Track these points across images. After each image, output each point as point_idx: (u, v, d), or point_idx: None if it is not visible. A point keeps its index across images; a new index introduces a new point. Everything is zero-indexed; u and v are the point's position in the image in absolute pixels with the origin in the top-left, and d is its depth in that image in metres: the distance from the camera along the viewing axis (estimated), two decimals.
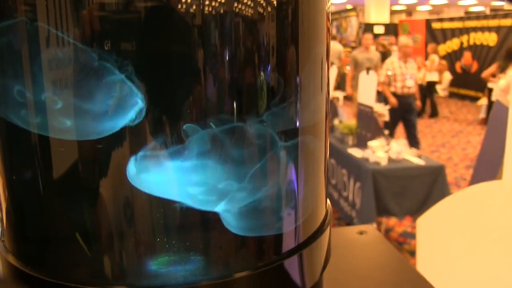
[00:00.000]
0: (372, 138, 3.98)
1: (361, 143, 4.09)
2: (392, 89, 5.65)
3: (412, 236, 4.02)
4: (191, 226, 0.36)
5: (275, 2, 0.36)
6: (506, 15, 10.60)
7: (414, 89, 5.71)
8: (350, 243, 0.73)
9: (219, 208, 0.36)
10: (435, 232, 1.40)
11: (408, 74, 5.64)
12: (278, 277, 0.39)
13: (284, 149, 0.38)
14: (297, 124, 0.39)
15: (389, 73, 5.66)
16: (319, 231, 0.44)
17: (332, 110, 4.89)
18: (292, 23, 0.38)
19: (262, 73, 0.36)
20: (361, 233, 0.76)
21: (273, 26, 0.36)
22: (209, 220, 0.36)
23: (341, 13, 16.10)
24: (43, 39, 0.32)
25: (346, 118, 4.96)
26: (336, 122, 4.68)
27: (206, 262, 0.36)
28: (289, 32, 0.38)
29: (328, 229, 0.45)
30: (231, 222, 0.36)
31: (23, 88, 0.34)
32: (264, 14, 0.36)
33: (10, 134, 0.36)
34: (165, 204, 0.35)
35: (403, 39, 5.87)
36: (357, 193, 3.84)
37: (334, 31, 15.81)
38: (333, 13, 16.49)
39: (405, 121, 5.82)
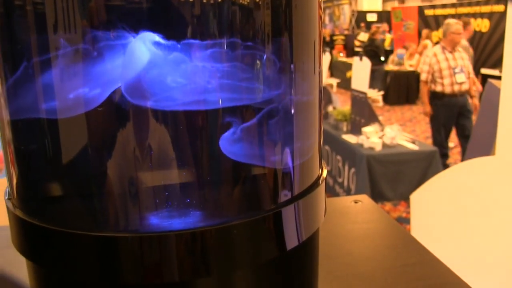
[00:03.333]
0: (366, 124, 4.00)
1: (355, 129, 4.11)
2: (439, 88, 4.33)
3: (407, 221, 4.05)
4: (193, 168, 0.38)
5: None
6: (498, 1, 10.61)
7: (467, 85, 4.30)
8: (346, 211, 0.75)
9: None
10: (428, 207, 1.42)
11: (458, 67, 4.28)
12: (275, 225, 0.41)
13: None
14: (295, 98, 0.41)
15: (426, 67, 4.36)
16: (315, 184, 0.45)
17: (326, 97, 4.91)
18: (286, 10, 0.39)
19: (258, 58, 0.38)
20: (356, 201, 0.78)
21: (268, 14, 0.38)
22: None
23: (334, 1, 16.08)
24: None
25: (340, 105, 4.98)
26: (330, 108, 4.70)
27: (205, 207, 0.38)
28: (283, 19, 0.39)
29: (323, 184, 0.47)
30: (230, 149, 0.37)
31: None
32: (259, 2, 0.37)
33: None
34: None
35: (452, 22, 4.42)
36: (352, 179, 3.87)
37: (327, 19, 15.79)
38: (326, 1, 16.46)
39: (458, 127, 4.49)
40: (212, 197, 0.39)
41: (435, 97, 4.37)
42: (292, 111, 0.41)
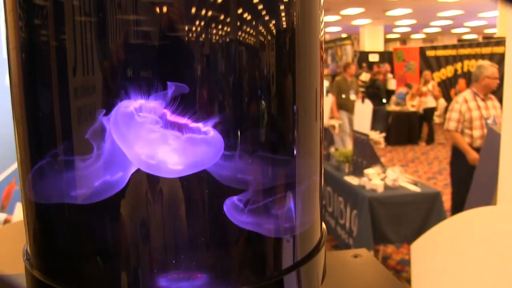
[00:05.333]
0: (368, 165, 4.02)
1: (357, 171, 4.13)
2: (467, 140, 3.71)
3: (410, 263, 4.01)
4: (198, 245, 0.40)
5: (274, 32, 0.41)
6: (498, 42, 10.78)
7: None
8: (345, 266, 0.76)
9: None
10: (429, 258, 1.43)
11: (491, 118, 3.65)
12: None
13: (281, 169, 0.42)
14: (294, 150, 0.43)
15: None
16: (316, 250, 0.48)
17: (328, 138, 4.95)
18: (290, 51, 0.42)
19: (262, 99, 0.41)
20: (355, 256, 0.79)
21: (272, 55, 0.41)
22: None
23: (336, 41, 16.35)
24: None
25: (343, 146, 5.02)
26: (332, 150, 4.73)
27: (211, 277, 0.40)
28: (287, 59, 0.42)
29: (323, 248, 0.49)
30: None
31: None
32: (265, 43, 0.40)
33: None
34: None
35: (486, 65, 3.81)
36: (354, 220, 3.85)
37: (329, 59, 16.01)
38: (328, 42, 16.73)
39: None
40: (220, 263, 0.42)
41: (460, 150, 3.75)
42: (296, 187, 0.44)
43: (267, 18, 0.40)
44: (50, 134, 0.39)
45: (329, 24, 15.55)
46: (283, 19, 0.41)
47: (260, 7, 0.40)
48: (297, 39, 0.43)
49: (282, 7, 0.41)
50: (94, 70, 0.36)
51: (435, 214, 3.77)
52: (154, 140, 0.37)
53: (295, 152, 0.43)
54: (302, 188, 0.45)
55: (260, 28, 0.40)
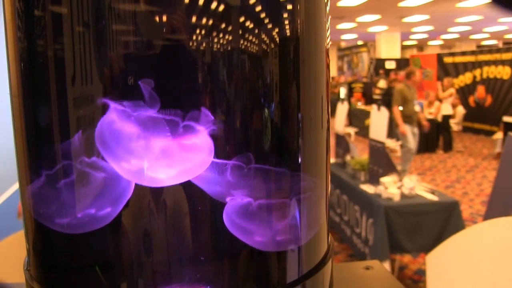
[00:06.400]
0: (384, 174, 3.97)
1: (373, 179, 4.08)
2: None
3: None
4: (202, 261, 0.39)
5: (277, 40, 0.40)
6: None
7: None
8: (356, 279, 0.75)
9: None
10: (446, 269, 1.40)
11: None
12: None
13: (285, 179, 0.41)
14: (299, 160, 0.42)
15: None
16: (322, 262, 0.46)
17: (344, 146, 4.91)
18: (294, 59, 0.42)
19: (265, 107, 0.40)
20: (367, 268, 0.78)
21: (275, 63, 0.40)
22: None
23: (352, 48, 16.30)
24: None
25: (358, 153, 4.97)
26: (348, 158, 4.69)
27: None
28: (291, 67, 0.41)
29: (330, 261, 0.48)
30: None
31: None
32: (268, 51, 0.40)
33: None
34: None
35: None
36: (369, 229, 3.81)
37: (345, 66, 15.96)
38: (344, 49, 16.69)
39: None
40: (222, 278, 0.41)
41: None
42: (301, 198, 0.43)
43: (270, 26, 0.40)
44: (48, 147, 0.38)
45: (344, 31, 15.51)
46: (287, 27, 0.41)
47: (263, 15, 0.39)
48: (302, 47, 0.42)
49: (285, 15, 0.40)
50: (93, 80, 0.36)
51: (453, 223, 3.71)
52: (147, 149, 0.36)
53: (299, 160, 0.42)
54: (307, 198, 0.44)
55: (263, 36, 0.39)
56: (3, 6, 0.38)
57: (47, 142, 0.38)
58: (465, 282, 1.32)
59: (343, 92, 12.53)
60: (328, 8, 0.46)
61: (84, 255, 0.39)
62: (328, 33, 0.47)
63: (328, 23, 0.47)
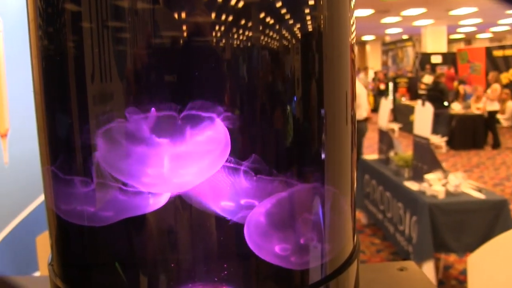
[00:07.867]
0: (429, 170, 3.88)
1: (417, 176, 3.99)
2: None
3: None
4: (223, 258, 0.39)
5: (299, 36, 0.39)
6: None
7: None
8: (389, 280, 0.73)
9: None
10: (488, 271, 1.35)
11: None
12: None
13: (308, 176, 0.41)
14: (322, 157, 0.41)
15: None
16: (347, 263, 0.45)
17: (388, 142, 4.81)
18: (317, 54, 0.41)
19: (288, 103, 0.39)
20: (401, 269, 0.76)
21: (297, 59, 0.39)
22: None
23: (397, 43, 15.97)
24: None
25: (403, 150, 4.86)
26: (391, 154, 4.60)
27: None
28: (313, 63, 0.41)
29: (355, 262, 0.47)
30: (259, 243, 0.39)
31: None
32: (289, 46, 0.39)
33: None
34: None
35: None
36: (413, 227, 3.73)
37: (389, 61, 15.66)
38: (388, 43, 16.37)
39: None
40: (244, 278, 0.40)
41: None
42: (326, 197, 0.42)
43: (292, 22, 0.39)
44: (69, 147, 0.39)
45: (389, 26, 15.19)
46: (309, 22, 0.40)
47: (285, 11, 0.39)
48: (325, 43, 0.41)
49: (307, 10, 0.40)
50: (112, 78, 0.36)
51: (501, 223, 3.58)
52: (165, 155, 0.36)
53: (322, 157, 0.41)
54: (331, 196, 0.43)
55: (285, 32, 0.38)
56: (27, 6, 0.39)
57: (66, 141, 0.39)
58: (509, 285, 1.27)
59: (391, 86, 12.27)
60: (353, 2, 0.45)
61: (105, 252, 0.40)
62: (353, 28, 0.45)
63: (353, 18, 0.46)
